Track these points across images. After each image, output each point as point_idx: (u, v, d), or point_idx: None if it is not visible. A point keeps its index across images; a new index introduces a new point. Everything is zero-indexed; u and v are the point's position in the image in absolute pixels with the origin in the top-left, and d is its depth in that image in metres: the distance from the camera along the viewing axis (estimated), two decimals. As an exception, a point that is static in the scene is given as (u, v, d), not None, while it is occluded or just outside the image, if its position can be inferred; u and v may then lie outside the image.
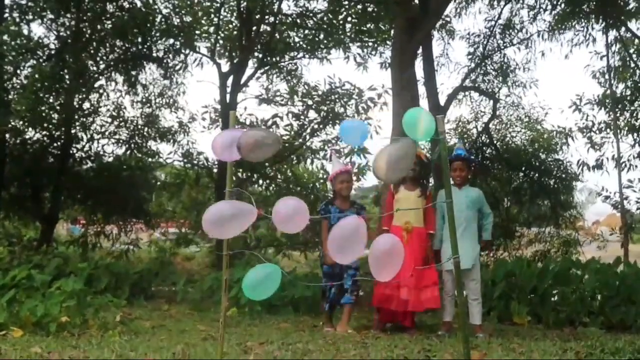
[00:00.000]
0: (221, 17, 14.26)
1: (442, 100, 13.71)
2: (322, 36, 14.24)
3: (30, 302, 6.14)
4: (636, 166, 13.38)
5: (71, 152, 13.12)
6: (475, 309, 6.10)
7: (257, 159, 3.81)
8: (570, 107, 13.97)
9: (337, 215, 5.88)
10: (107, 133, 13.76)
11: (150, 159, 14.84)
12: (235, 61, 13.93)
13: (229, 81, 13.61)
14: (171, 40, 13.27)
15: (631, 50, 14.19)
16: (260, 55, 14.26)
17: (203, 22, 14.37)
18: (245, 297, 7.57)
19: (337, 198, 6.45)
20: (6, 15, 11.73)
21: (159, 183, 16.82)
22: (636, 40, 14.10)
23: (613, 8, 12.46)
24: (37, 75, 10.65)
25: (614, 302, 7.16)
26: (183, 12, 13.76)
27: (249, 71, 14.16)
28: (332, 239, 3.25)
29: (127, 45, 12.81)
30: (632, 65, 14.12)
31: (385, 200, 6.91)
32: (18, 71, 11.32)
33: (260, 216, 3.51)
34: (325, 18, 13.86)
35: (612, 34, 13.77)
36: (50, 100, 11.33)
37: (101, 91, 13.15)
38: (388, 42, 13.51)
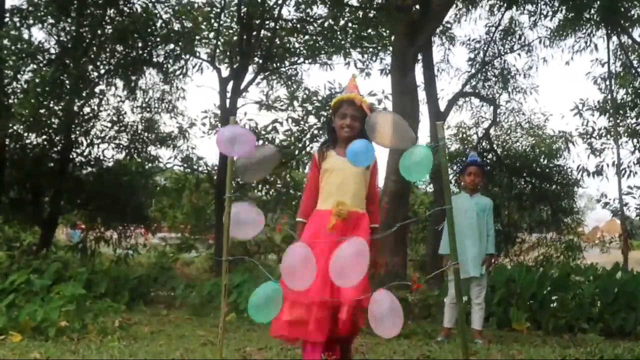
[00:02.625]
0: (221, 22, 14.25)
1: (442, 105, 13.74)
2: (322, 42, 14.24)
3: (29, 306, 6.15)
4: (636, 172, 13.38)
5: (71, 156, 13.11)
6: (477, 314, 6.08)
7: (259, 178, 3.85)
8: (572, 110, 13.97)
9: None
10: (107, 138, 13.77)
11: (150, 164, 14.85)
12: (235, 66, 13.90)
13: (229, 86, 13.58)
14: (171, 46, 13.24)
15: (632, 57, 14.21)
16: (261, 61, 14.25)
17: (203, 27, 14.34)
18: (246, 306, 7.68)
19: None
20: (7, 19, 11.72)
21: (158, 188, 16.81)
22: (637, 47, 14.11)
23: (615, 15, 12.46)
24: (37, 80, 10.63)
25: (613, 309, 7.15)
26: (183, 17, 13.72)
27: (249, 76, 14.17)
28: (332, 265, 3.21)
29: (127, 50, 12.78)
30: (633, 71, 14.14)
31: (308, 176, 4.17)
32: (18, 76, 11.31)
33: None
34: (325, 24, 13.86)
35: (614, 40, 13.78)
36: (51, 105, 11.32)
37: (101, 96, 13.14)
38: (389, 47, 13.50)
